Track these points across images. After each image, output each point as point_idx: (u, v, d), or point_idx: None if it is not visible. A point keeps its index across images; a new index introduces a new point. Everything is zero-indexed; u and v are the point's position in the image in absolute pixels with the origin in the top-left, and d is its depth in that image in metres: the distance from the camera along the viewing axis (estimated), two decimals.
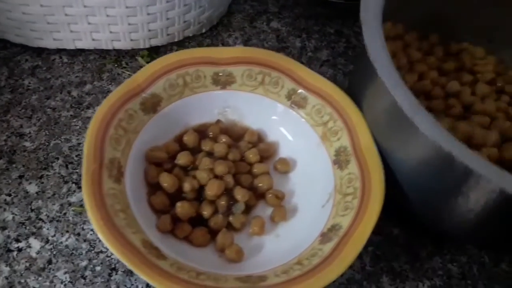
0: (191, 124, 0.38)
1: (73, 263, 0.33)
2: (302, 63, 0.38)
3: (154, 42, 0.44)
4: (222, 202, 0.34)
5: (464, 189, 0.28)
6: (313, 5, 0.52)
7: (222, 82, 0.38)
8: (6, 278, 0.32)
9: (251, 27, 0.49)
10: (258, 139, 0.38)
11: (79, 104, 0.41)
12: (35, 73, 0.43)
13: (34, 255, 0.33)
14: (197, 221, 0.34)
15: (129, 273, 0.33)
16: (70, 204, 0.35)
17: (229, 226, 0.34)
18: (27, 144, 0.38)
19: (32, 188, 0.36)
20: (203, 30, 0.47)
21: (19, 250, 0.33)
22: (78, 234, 0.34)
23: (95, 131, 0.32)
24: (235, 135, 0.38)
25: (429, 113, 0.28)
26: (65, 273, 0.32)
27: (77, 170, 0.37)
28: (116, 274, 0.33)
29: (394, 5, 0.33)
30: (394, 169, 0.32)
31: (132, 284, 0.32)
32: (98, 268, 0.33)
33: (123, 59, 0.45)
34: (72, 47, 0.44)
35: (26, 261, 0.33)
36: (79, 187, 0.36)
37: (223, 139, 0.37)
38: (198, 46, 0.46)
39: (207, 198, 0.34)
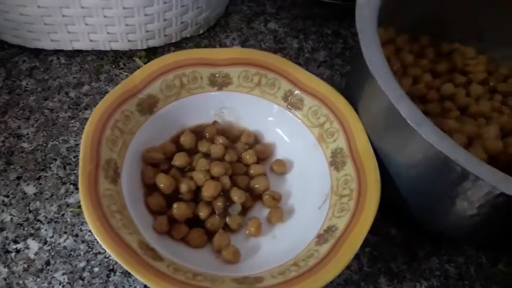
0: (188, 125, 0.38)
1: (71, 264, 0.33)
2: (299, 64, 0.38)
3: (152, 43, 0.44)
4: (219, 203, 0.34)
5: (460, 190, 0.28)
6: (311, 6, 0.52)
7: (219, 83, 0.38)
8: (5, 279, 0.32)
9: (249, 28, 0.49)
10: (255, 141, 0.39)
11: (77, 105, 0.41)
12: (33, 74, 0.43)
13: (32, 256, 0.33)
14: (194, 222, 0.34)
15: (127, 274, 0.33)
16: (68, 205, 0.36)
17: (226, 227, 0.34)
18: (25, 145, 0.38)
19: (30, 189, 0.36)
20: (201, 31, 0.47)
21: (17, 251, 0.33)
22: (76, 235, 0.34)
23: (91, 132, 0.33)
24: (232, 136, 0.39)
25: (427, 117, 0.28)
26: (63, 274, 0.33)
27: (75, 171, 0.37)
28: (114, 275, 0.33)
29: (388, 11, 0.33)
30: (390, 170, 0.32)
31: (130, 285, 0.33)
32: (96, 269, 0.33)
33: (120, 60, 0.45)
34: (69, 48, 0.44)
35: (24, 262, 0.33)
36: (77, 188, 0.36)
37: (220, 140, 0.37)
38: (195, 47, 0.46)
39: (203, 199, 0.34)
